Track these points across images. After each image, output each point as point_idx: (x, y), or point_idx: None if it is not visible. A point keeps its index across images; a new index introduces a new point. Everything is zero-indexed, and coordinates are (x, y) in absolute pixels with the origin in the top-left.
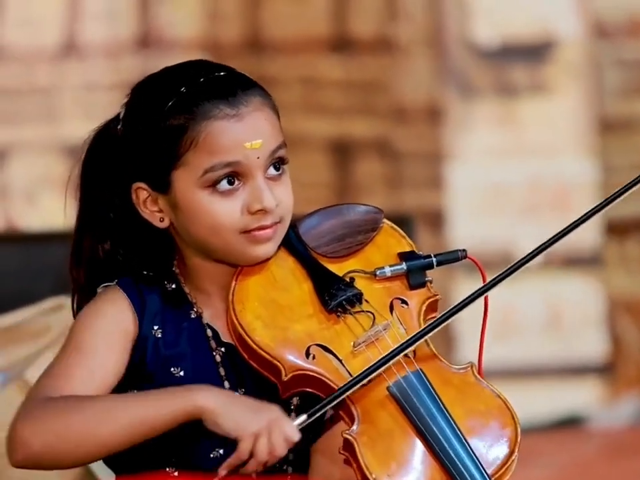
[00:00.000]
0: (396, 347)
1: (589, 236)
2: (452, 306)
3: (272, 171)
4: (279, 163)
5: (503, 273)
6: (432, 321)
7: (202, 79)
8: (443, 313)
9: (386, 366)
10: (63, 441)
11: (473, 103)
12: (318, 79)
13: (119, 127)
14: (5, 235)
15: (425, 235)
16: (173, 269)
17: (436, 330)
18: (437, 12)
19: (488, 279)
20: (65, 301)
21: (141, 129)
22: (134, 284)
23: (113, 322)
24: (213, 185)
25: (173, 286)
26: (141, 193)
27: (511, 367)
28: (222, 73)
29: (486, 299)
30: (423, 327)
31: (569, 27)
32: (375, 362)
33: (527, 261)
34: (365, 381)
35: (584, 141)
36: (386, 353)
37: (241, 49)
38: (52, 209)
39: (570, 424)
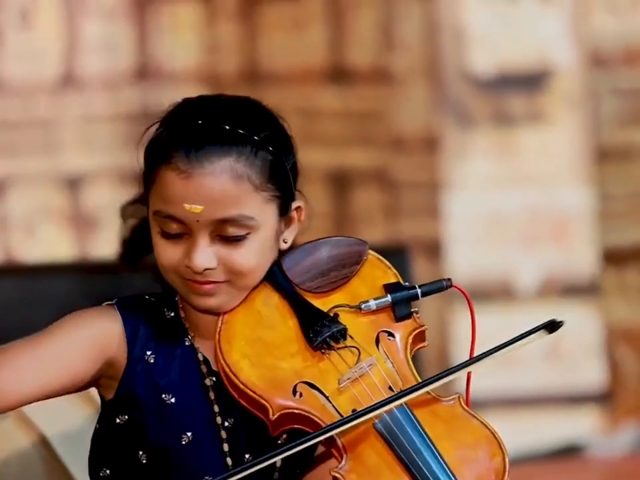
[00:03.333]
0: (380, 401)
1: (587, 265)
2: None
3: (222, 238)
4: (233, 240)
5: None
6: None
7: (183, 123)
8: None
9: (370, 415)
10: None
11: (470, 133)
12: (315, 110)
13: None
14: (4, 266)
15: (423, 264)
16: (176, 297)
17: (429, 387)
18: (433, 42)
19: (486, 312)
20: None
21: (146, 147)
22: (133, 307)
23: (92, 333)
24: (161, 225)
25: (172, 314)
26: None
27: (509, 395)
28: (207, 124)
29: (473, 338)
30: (410, 362)
31: (565, 56)
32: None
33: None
34: (338, 430)
35: (581, 169)
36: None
37: (238, 81)
38: (51, 240)
39: (569, 453)
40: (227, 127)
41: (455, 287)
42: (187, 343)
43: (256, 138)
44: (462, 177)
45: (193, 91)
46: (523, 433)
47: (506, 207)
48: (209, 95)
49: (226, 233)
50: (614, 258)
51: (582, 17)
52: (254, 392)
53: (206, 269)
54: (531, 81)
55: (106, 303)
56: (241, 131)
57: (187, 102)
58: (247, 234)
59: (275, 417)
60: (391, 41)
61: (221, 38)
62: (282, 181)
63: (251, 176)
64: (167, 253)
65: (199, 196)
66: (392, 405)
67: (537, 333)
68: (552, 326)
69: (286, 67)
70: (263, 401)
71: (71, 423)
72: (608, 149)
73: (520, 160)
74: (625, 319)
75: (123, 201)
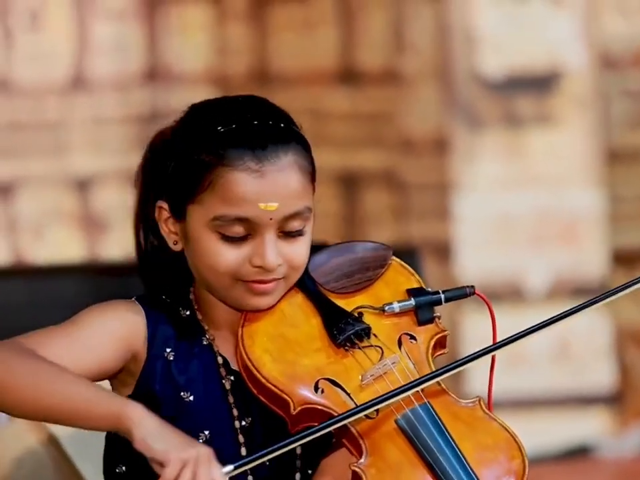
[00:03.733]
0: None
1: (596, 266)
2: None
3: (285, 233)
4: (295, 234)
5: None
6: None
7: (238, 124)
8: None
9: (386, 403)
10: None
11: (480, 134)
12: (325, 111)
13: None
14: (13, 268)
15: (433, 266)
16: (190, 296)
17: (447, 374)
18: (443, 44)
19: (496, 313)
20: None
21: (176, 151)
22: (152, 304)
23: (121, 324)
24: (221, 231)
25: (187, 313)
26: (163, 212)
27: (519, 397)
28: (263, 123)
29: (494, 335)
30: (431, 364)
31: (575, 57)
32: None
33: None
34: (360, 414)
35: (591, 171)
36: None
37: (248, 82)
38: (60, 242)
39: (579, 454)
40: (282, 125)
41: (478, 294)
42: (204, 342)
43: (300, 133)
44: (471, 178)
45: (202, 93)
46: (533, 434)
47: (515, 208)
48: (219, 97)
49: (290, 227)
50: (624, 259)
51: (592, 18)
52: (276, 386)
53: (277, 266)
54: (540, 83)
55: (123, 300)
56: (291, 127)
57: (211, 105)
58: (304, 227)
59: (296, 411)
60: (401, 43)
61: (231, 39)
62: (315, 170)
63: (307, 168)
64: (227, 256)
65: (274, 193)
66: (414, 399)
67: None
68: None
69: (295, 68)
70: (285, 396)
71: None
72: (618, 151)
73: (529, 161)
74: (635, 321)
75: (132, 204)
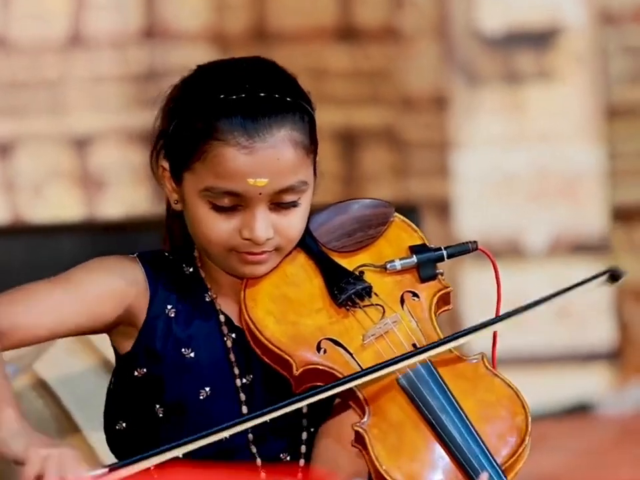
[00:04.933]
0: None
1: (596, 222)
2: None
3: (277, 205)
4: (286, 205)
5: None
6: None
7: (236, 95)
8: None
9: (393, 368)
10: None
11: (479, 91)
12: (324, 69)
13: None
14: (12, 227)
15: (432, 223)
16: (194, 253)
17: (453, 344)
18: (442, 0)
19: (499, 269)
20: None
21: (176, 114)
22: (153, 261)
23: (119, 280)
24: (212, 201)
25: (191, 269)
26: (165, 172)
27: (519, 354)
28: (260, 94)
29: (498, 289)
30: (435, 322)
31: (574, 13)
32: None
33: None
34: (365, 378)
35: (590, 127)
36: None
37: (247, 40)
38: (59, 201)
39: (579, 410)
40: (277, 96)
41: (481, 249)
42: (207, 299)
43: (301, 102)
44: (471, 135)
45: (201, 51)
46: (534, 391)
47: (515, 165)
48: (225, 59)
49: (282, 200)
50: (623, 216)
51: None
52: (278, 348)
53: (266, 239)
54: (540, 39)
55: (127, 255)
56: (288, 99)
57: (212, 70)
58: (299, 199)
59: (299, 372)
60: (400, 0)
61: None
62: (316, 140)
63: (303, 142)
64: (218, 227)
65: (264, 170)
66: (416, 360)
67: (594, 281)
68: (612, 276)
69: (294, 26)
70: (287, 357)
71: (79, 377)
72: (617, 107)
73: (529, 118)
74: (635, 277)
75: (133, 163)
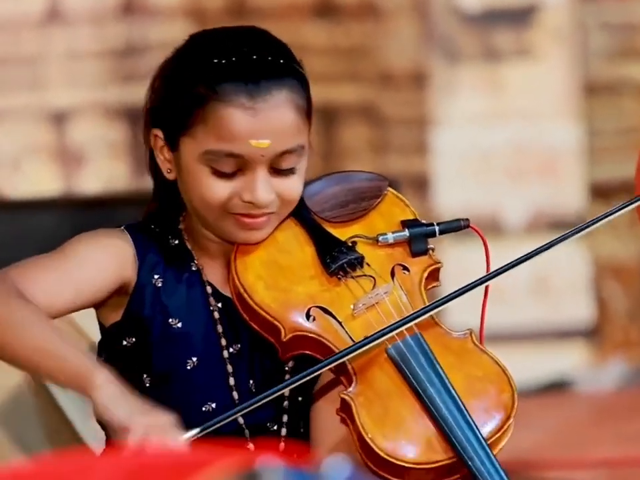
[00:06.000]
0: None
1: (574, 199)
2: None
3: (277, 170)
4: (287, 171)
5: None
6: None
7: (233, 57)
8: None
9: (382, 339)
10: None
11: (458, 68)
12: (303, 45)
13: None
14: None
15: (411, 200)
16: (180, 226)
17: (441, 308)
18: None
19: (474, 247)
20: None
21: (172, 81)
22: (140, 232)
23: (109, 255)
24: (213, 165)
25: (176, 242)
26: (158, 140)
27: (497, 331)
28: (260, 58)
29: (488, 266)
30: (424, 296)
31: None
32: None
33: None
34: (351, 355)
35: (569, 105)
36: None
37: (225, 16)
38: (37, 176)
39: (557, 388)
40: (276, 60)
41: (472, 227)
42: (193, 268)
43: (297, 68)
44: (450, 112)
45: (178, 27)
46: (512, 368)
47: (493, 142)
48: (219, 27)
49: (282, 164)
50: (602, 193)
51: None
52: (267, 313)
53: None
54: (519, 16)
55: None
56: (286, 63)
57: (208, 36)
58: (297, 165)
59: (287, 338)
60: None
61: None
62: (312, 106)
63: (303, 105)
64: (218, 190)
65: (266, 131)
66: (405, 330)
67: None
68: None
69: (273, 2)
70: (276, 322)
71: None
72: (596, 84)
73: (508, 95)
74: (613, 255)
75: (111, 138)
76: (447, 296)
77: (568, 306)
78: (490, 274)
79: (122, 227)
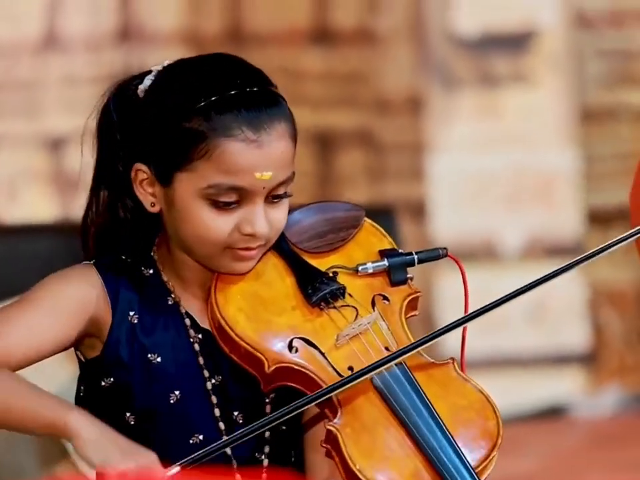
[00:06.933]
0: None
1: (571, 226)
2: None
3: (272, 198)
4: (280, 197)
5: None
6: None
7: (234, 91)
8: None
9: (372, 373)
10: None
11: (454, 94)
12: (299, 71)
13: (140, 89)
14: None
15: (408, 226)
16: (152, 254)
17: (429, 344)
18: (417, 2)
19: (470, 273)
20: None
21: (162, 116)
22: (111, 267)
23: (76, 292)
24: (214, 198)
25: (151, 271)
26: (140, 174)
27: (494, 356)
28: (255, 89)
29: (466, 296)
30: (405, 326)
31: (550, 16)
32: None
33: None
34: (339, 390)
35: (566, 130)
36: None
37: (222, 41)
38: (34, 202)
39: (553, 413)
40: (269, 89)
41: (450, 256)
42: (170, 302)
43: (281, 95)
44: (446, 138)
45: (175, 52)
46: (508, 393)
47: (490, 168)
48: (192, 58)
49: (277, 193)
50: (599, 219)
51: None
52: (250, 345)
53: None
54: (515, 42)
55: (84, 262)
56: (276, 90)
57: (190, 68)
58: (287, 190)
59: (271, 370)
60: (375, 2)
61: None
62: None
63: (294, 133)
64: (217, 225)
65: (270, 163)
66: (392, 364)
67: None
68: None
69: (270, 28)
70: (259, 354)
71: (55, 381)
72: (592, 110)
73: (504, 121)
74: (610, 280)
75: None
76: (438, 330)
77: (564, 331)
78: (486, 306)
79: (92, 262)
